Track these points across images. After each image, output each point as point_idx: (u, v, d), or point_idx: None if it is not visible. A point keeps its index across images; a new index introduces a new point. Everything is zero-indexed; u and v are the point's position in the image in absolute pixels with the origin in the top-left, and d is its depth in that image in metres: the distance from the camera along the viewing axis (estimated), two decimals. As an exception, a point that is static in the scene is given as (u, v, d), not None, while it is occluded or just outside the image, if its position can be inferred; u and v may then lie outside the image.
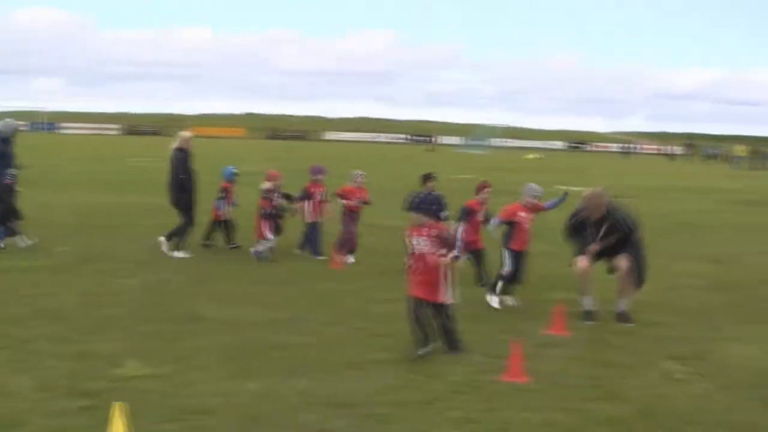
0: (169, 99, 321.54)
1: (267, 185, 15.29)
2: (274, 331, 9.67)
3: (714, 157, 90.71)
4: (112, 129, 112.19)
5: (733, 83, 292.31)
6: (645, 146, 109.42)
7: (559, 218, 11.96)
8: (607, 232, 10.94)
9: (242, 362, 8.32)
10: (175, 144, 15.46)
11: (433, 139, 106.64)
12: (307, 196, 15.58)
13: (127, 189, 27.01)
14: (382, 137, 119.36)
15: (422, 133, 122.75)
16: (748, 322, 11.19)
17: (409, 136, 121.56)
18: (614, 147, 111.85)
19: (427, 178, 13.58)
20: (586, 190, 11.32)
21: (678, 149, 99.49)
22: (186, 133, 15.86)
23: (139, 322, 9.86)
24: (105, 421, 6.17)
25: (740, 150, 78.16)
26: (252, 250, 14.84)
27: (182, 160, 15.06)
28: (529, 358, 8.65)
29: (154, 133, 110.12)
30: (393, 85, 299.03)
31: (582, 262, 11.04)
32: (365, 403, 7.27)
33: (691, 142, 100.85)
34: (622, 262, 10.90)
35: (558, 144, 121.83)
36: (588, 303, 11.04)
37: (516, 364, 8.20)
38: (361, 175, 15.62)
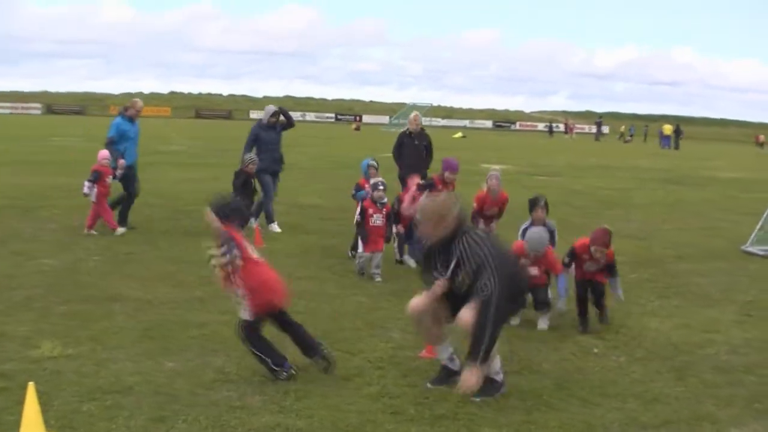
0: (90, 77, 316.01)
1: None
2: (191, 309, 9.65)
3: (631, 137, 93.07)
4: (33, 108, 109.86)
5: (653, 63, 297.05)
6: (578, 126, 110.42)
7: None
8: (455, 269, 7.05)
9: (159, 341, 8.27)
10: None
11: (359, 119, 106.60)
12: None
13: (47, 169, 26.51)
14: (310, 116, 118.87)
15: (348, 112, 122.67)
16: (664, 297, 11.46)
17: (335, 115, 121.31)
18: (540, 126, 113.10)
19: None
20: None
21: (605, 129, 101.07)
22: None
23: (55, 303, 9.73)
24: (19, 402, 6.12)
25: (668, 129, 79.27)
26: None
27: None
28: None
29: (77, 113, 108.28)
30: (317, 64, 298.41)
31: (415, 301, 7.41)
32: (282, 380, 7.31)
33: (602, 119, 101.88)
34: (463, 313, 6.86)
35: (485, 123, 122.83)
36: (443, 354, 7.52)
37: (434, 340, 8.30)
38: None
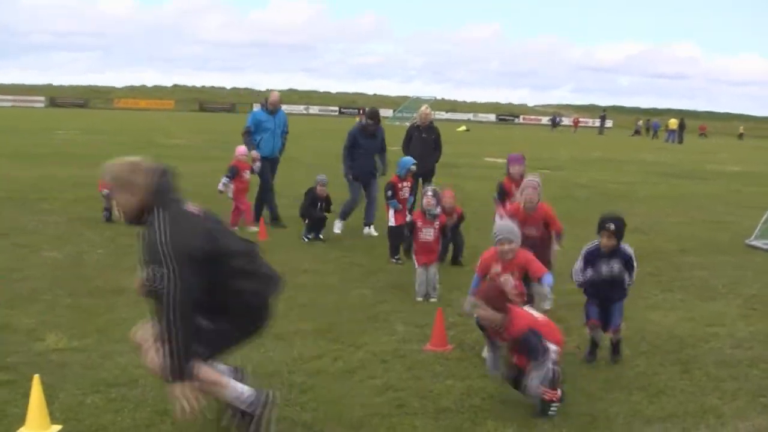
0: (91, 70, 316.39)
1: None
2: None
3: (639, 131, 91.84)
4: (36, 101, 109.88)
5: (654, 57, 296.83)
6: (581, 119, 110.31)
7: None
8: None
9: (165, 334, 8.27)
10: None
11: (363, 111, 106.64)
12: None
13: (51, 162, 26.53)
14: (314, 109, 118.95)
15: (352, 105, 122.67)
16: (668, 290, 11.45)
17: (339, 108, 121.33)
18: (544, 120, 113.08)
19: None
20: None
21: (610, 123, 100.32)
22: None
23: (60, 295, 9.75)
24: (24, 395, 6.17)
25: (673, 123, 78.89)
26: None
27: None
28: (451, 327, 8.78)
29: (80, 106, 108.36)
30: (319, 57, 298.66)
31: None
32: (287, 373, 7.32)
33: (605, 113, 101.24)
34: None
35: (488, 116, 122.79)
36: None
37: (439, 334, 8.31)
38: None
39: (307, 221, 14.41)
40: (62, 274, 10.85)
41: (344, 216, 15.37)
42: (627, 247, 8.19)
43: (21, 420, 5.94)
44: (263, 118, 15.64)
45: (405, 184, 13.57)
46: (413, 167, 13.69)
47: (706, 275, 12.57)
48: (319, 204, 14.38)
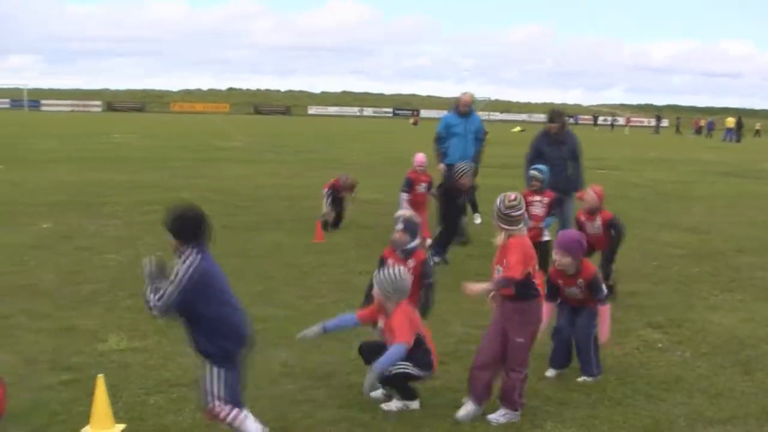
0: (147, 75, 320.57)
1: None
2: (253, 304, 9.67)
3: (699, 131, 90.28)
4: (94, 106, 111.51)
5: (707, 55, 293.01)
6: (635, 119, 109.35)
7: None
8: None
9: (224, 335, 8.34)
10: None
11: (416, 113, 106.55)
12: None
13: (108, 166, 26.88)
14: (368, 111, 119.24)
15: (406, 107, 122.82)
16: (726, 291, 11.32)
17: (393, 110, 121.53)
18: (599, 120, 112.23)
19: None
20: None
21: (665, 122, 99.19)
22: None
23: (120, 297, 9.91)
24: (88, 394, 6.27)
25: (730, 122, 77.78)
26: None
27: None
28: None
29: (137, 110, 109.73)
30: (370, 59, 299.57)
31: None
32: (345, 374, 7.36)
33: (661, 113, 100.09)
34: None
35: (542, 117, 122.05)
36: None
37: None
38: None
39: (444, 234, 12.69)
40: (122, 276, 11.01)
41: None
42: None
43: (86, 418, 6.05)
44: (453, 122, 14.52)
45: (536, 197, 11.21)
46: (533, 172, 11.47)
47: (764, 275, 12.40)
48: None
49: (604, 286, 7.55)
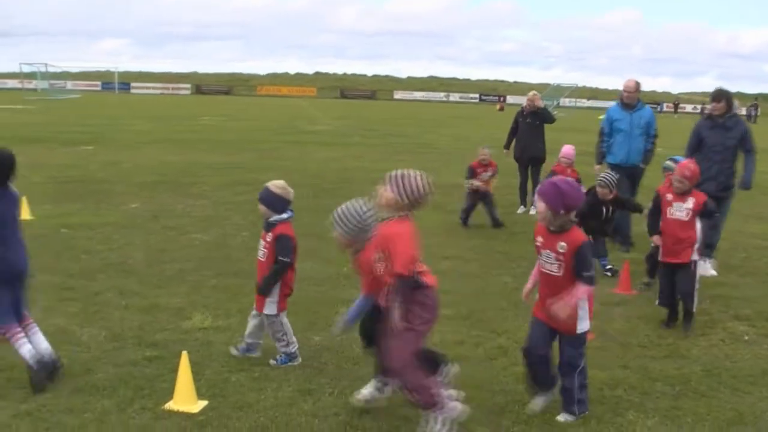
0: (234, 59, 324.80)
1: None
2: (338, 286, 9.75)
3: None
4: (182, 89, 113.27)
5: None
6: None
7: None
8: None
9: (307, 316, 8.37)
10: None
11: (503, 99, 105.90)
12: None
13: (197, 147, 27.28)
14: (454, 97, 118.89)
15: (492, 92, 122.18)
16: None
17: (480, 96, 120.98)
18: (689, 108, 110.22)
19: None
20: None
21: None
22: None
23: (206, 276, 10.02)
24: (172, 370, 6.35)
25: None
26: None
27: None
28: (594, 316, 8.58)
29: (225, 93, 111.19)
30: (456, 45, 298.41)
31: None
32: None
33: (757, 101, 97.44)
34: None
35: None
36: None
37: (580, 323, 8.15)
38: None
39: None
40: (208, 255, 11.14)
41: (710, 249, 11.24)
42: None
43: (169, 394, 6.12)
44: (617, 116, 12.78)
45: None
46: (668, 162, 10.38)
47: None
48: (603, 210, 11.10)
49: (592, 264, 5.98)
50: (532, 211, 15.06)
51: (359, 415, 6.03)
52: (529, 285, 6.36)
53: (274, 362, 6.97)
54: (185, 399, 6.01)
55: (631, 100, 12.65)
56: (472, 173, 14.38)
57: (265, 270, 6.90)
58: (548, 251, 5.97)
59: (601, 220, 11.00)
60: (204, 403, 6.10)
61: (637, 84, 12.72)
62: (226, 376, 6.71)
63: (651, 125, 12.69)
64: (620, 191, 11.38)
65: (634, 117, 12.61)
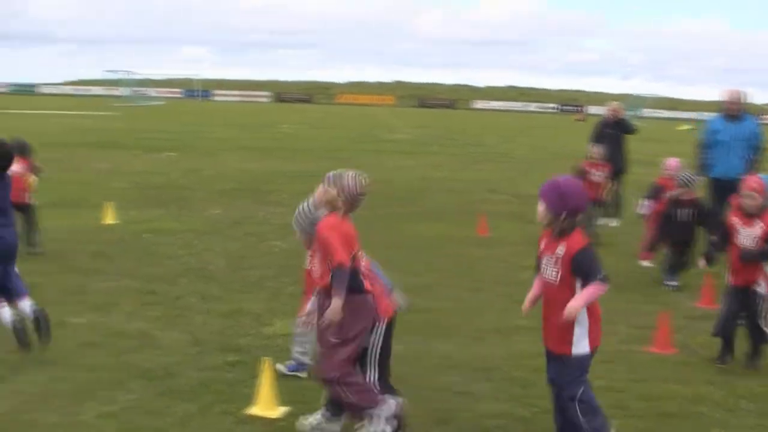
0: (313, 67, 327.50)
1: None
2: (416, 295, 9.68)
3: None
4: (263, 96, 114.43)
5: None
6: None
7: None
8: None
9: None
10: None
11: (583, 109, 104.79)
12: None
13: (276, 155, 27.58)
14: (532, 106, 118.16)
15: (572, 102, 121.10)
16: None
17: (559, 106, 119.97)
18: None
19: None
20: None
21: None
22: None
23: (285, 283, 10.10)
24: (253, 375, 6.43)
25: None
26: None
27: None
28: (677, 330, 8.47)
29: (304, 101, 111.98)
30: (535, 54, 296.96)
31: None
32: (506, 368, 7.29)
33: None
34: None
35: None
36: None
37: (663, 336, 8.05)
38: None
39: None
40: (287, 263, 11.22)
41: None
42: None
43: (250, 400, 6.19)
44: (718, 127, 12.22)
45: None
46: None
47: None
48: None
49: (599, 266, 5.47)
50: (613, 223, 14.87)
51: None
52: (530, 295, 5.83)
53: (283, 367, 6.96)
54: (267, 405, 6.08)
55: (735, 111, 12.04)
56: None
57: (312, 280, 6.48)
58: (548, 256, 5.55)
59: (676, 224, 10.61)
60: (285, 409, 6.15)
61: (742, 94, 12.20)
62: (306, 383, 6.75)
63: (756, 136, 12.08)
64: (715, 206, 10.96)
65: (737, 129, 12.00)
